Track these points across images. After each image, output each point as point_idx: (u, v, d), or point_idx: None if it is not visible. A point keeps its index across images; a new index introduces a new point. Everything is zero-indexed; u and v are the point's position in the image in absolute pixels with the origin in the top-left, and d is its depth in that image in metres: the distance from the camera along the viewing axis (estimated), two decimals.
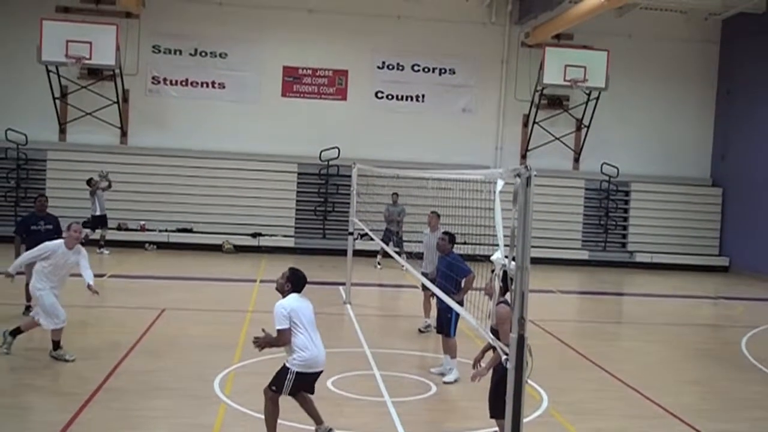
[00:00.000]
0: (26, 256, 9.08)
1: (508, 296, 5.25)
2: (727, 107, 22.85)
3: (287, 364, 6.22)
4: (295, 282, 6.35)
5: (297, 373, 6.19)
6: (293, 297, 6.30)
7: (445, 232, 9.48)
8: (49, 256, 8.76)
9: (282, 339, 6.18)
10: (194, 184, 20.68)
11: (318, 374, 6.40)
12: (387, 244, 18.12)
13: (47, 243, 8.95)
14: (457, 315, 8.43)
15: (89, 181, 18.39)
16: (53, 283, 8.81)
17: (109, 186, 18.60)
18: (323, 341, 6.42)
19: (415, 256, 12.24)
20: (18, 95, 20.35)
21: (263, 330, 6.38)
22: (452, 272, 8.90)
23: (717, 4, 21.51)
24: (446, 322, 8.98)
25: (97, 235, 18.41)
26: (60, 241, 8.94)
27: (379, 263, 18.51)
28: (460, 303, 8.08)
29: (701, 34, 23.00)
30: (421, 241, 11.82)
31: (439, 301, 8.61)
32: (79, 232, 8.94)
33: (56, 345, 8.81)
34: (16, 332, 8.92)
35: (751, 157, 21.53)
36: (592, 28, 21.04)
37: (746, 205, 21.67)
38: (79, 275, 8.95)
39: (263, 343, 6.28)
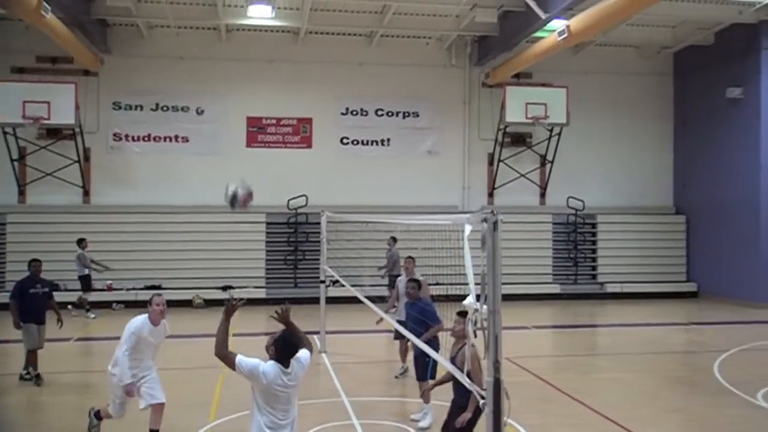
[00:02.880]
0: (123, 357, 7.75)
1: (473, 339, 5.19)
2: (684, 136, 23.42)
3: None
4: (280, 349, 5.54)
5: None
6: (275, 368, 5.47)
7: (411, 279, 9.56)
8: (137, 339, 7.79)
9: (223, 352, 5.57)
10: (161, 239, 20.45)
11: None
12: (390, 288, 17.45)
13: (131, 327, 7.80)
14: (434, 360, 8.36)
15: (80, 242, 18.07)
16: (134, 367, 7.77)
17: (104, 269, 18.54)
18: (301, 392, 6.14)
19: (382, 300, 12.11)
20: None
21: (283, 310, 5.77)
22: (425, 317, 8.88)
23: (668, 38, 22.21)
24: (423, 367, 8.91)
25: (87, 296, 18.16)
26: (143, 318, 7.92)
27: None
28: (436, 348, 8.04)
29: (655, 67, 23.67)
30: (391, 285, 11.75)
31: (414, 347, 8.56)
32: (162, 305, 7.95)
33: (97, 415, 8.26)
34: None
35: (710, 183, 22.02)
36: (550, 66, 21.53)
37: (709, 231, 22.08)
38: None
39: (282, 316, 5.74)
